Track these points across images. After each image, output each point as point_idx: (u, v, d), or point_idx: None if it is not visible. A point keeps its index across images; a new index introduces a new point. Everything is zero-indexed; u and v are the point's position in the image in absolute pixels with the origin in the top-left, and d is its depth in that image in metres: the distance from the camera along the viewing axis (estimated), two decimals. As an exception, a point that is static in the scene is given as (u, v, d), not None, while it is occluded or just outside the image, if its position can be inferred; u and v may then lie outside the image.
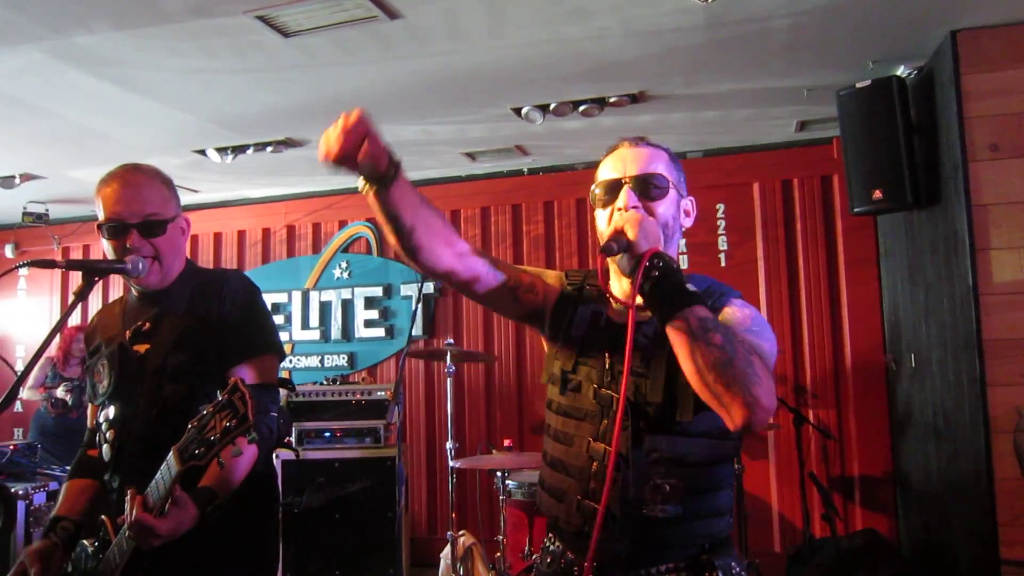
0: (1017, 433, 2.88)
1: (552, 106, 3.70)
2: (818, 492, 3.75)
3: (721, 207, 4.62)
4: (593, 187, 1.52)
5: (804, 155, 4.49)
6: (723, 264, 4.59)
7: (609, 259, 1.39)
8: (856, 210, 3.52)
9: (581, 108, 3.70)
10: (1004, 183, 2.95)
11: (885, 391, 4.29)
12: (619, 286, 1.49)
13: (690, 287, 1.30)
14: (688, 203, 1.54)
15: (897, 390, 4.16)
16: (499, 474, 3.55)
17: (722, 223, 4.62)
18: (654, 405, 1.38)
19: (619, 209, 1.43)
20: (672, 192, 1.48)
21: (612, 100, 3.64)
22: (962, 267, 3.03)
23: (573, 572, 1.47)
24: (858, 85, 3.35)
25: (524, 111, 3.77)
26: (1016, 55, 2.97)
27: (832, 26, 2.97)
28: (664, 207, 1.46)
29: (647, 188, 1.45)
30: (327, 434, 4.55)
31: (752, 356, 1.25)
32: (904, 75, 3.36)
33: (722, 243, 4.61)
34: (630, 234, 1.33)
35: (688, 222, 1.54)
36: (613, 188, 1.47)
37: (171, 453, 1.51)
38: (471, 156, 4.63)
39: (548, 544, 1.56)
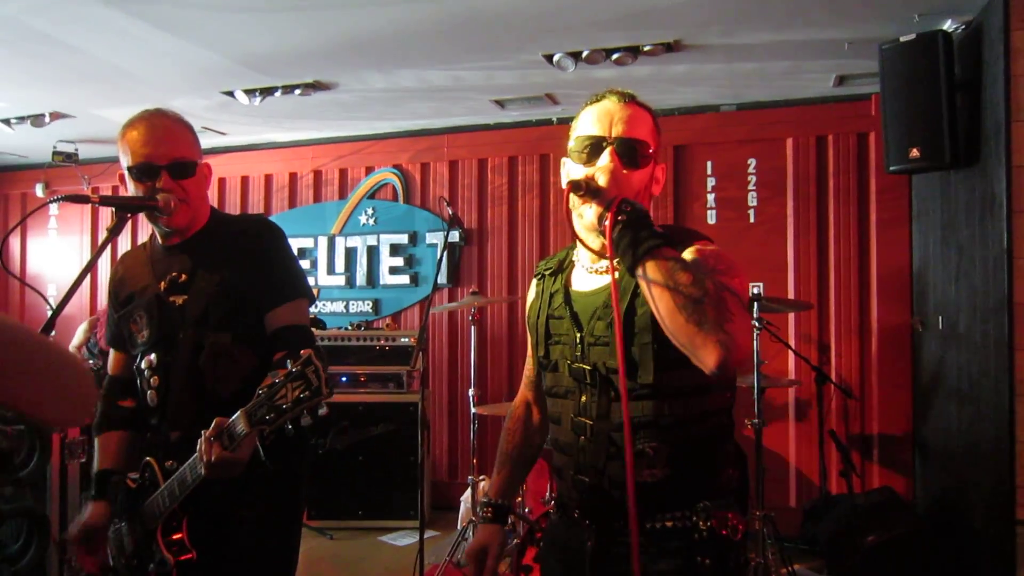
0: (1043, 398, 2.86)
1: (584, 53, 3.63)
2: (837, 450, 3.78)
3: (753, 162, 4.55)
4: (573, 138, 1.46)
5: (841, 111, 4.39)
6: (752, 220, 4.54)
7: (576, 218, 1.39)
8: (892, 168, 3.45)
9: (614, 56, 3.63)
10: (1048, 144, 2.87)
11: (909, 352, 4.28)
12: (586, 245, 1.45)
13: (658, 230, 1.29)
14: (660, 172, 1.49)
15: (922, 352, 4.14)
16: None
17: (753, 178, 4.55)
18: (617, 372, 1.33)
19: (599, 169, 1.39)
20: (651, 160, 1.44)
21: (647, 49, 3.56)
22: (997, 229, 2.98)
23: (574, 530, 1.49)
24: (902, 39, 3.25)
25: (556, 58, 3.70)
26: (1070, 10, 2.86)
27: (880, -26, 2.88)
28: (641, 175, 1.42)
29: (632, 154, 1.40)
30: (351, 378, 4.64)
31: (723, 293, 1.23)
32: (951, 29, 3.25)
33: (752, 199, 4.56)
34: (601, 181, 1.33)
35: (656, 190, 1.50)
36: (595, 147, 1.41)
37: (239, 415, 1.57)
38: (500, 104, 4.57)
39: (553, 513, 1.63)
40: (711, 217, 4.60)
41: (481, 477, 3.99)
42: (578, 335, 1.46)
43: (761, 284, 4.40)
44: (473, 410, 3.83)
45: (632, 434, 1.35)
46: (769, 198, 4.53)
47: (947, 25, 3.26)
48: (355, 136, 5.33)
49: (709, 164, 4.62)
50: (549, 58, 3.72)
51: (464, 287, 5.01)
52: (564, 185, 1.42)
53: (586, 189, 1.34)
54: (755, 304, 3.51)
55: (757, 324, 3.50)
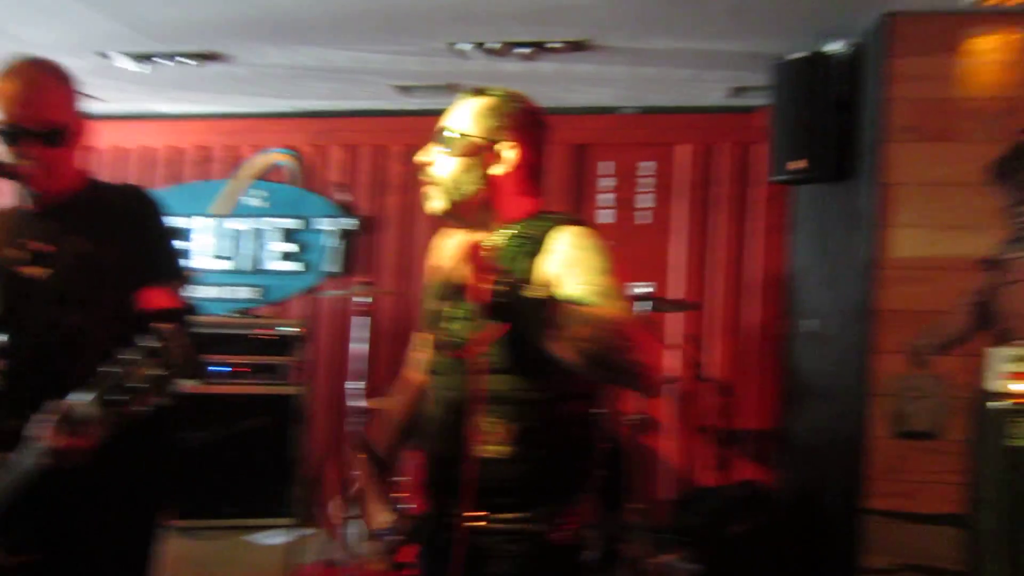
0: (894, 397, 3.12)
1: (490, 45, 3.65)
2: (709, 444, 3.97)
3: (647, 165, 4.70)
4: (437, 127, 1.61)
5: (729, 121, 4.61)
6: (644, 221, 4.69)
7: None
8: (776, 179, 3.66)
9: (520, 51, 3.66)
10: (915, 164, 3.13)
11: (780, 352, 4.55)
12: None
13: (537, 295, 1.32)
14: (506, 151, 1.55)
15: (792, 353, 4.41)
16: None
17: (646, 181, 4.71)
18: (465, 344, 1.42)
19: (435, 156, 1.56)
20: (487, 146, 1.55)
21: (553, 46, 3.61)
22: (865, 241, 3.22)
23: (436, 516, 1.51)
24: (793, 57, 3.45)
25: (460, 47, 3.69)
26: (942, 43, 3.12)
27: (777, -6, 3.04)
28: (485, 161, 1.54)
29: (454, 144, 1.55)
30: (229, 368, 4.43)
31: (625, 328, 1.30)
32: (838, 51, 3.48)
33: (645, 201, 4.71)
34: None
35: (507, 164, 1.55)
36: (440, 134, 1.59)
37: (82, 395, 1.43)
38: (403, 90, 4.51)
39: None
40: (606, 217, 4.73)
41: (359, 472, 3.91)
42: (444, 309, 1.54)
43: (653, 284, 4.55)
44: (357, 403, 3.75)
45: (485, 408, 1.40)
46: (662, 201, 4.69)
47: (835, 46, 3.48)
48: (248, 113, 5.10)
49: (606, 165, 4.75)
50: (454, 46, 3.71)
51: (356, 276, 4.90)
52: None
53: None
54: (645, 304, 3.63)
55: (646, 323, 3.62)
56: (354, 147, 5.00)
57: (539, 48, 3.64)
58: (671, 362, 4.59)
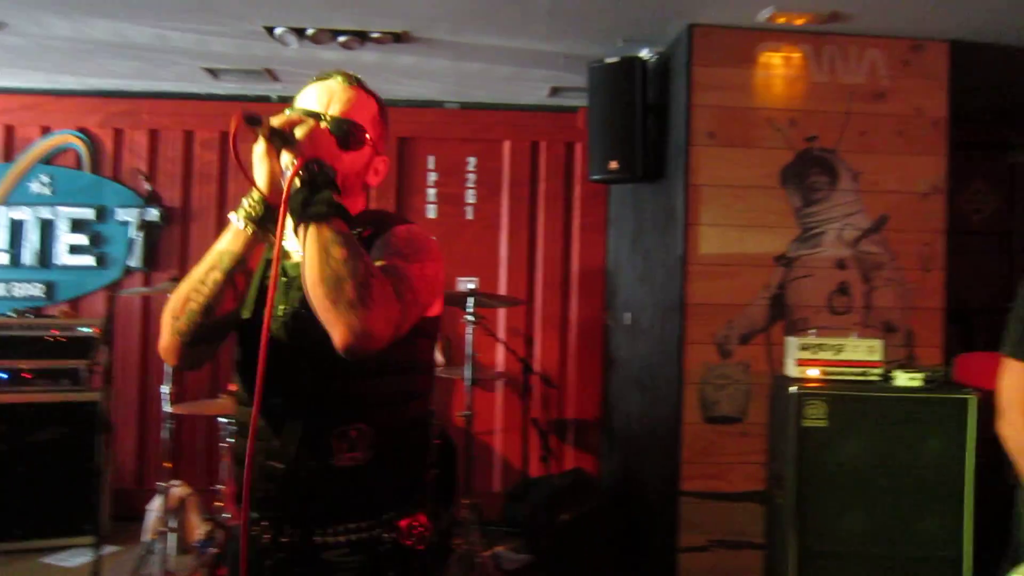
0: (703, 385, 3.33)
1: (310, 31, 3.47)
2: (538, 435, 4.07)
3: (472, 160, 4.71)
4: (287, 111, 1.38)
5: (553, 120, 4.72)
6: (469, 217, 4.70)
7: (260, 164, 1.28)
8: (593, 178, 3.79)
9: (341, 39, 3.51)
10: (716, 167, 3.34)
11: (602, 345, 4.74)
12: (266, 163, 1.30)
13: (335, 200, 1.24)
14: (381, 163, 1.48)
15: (612, 345, 4.61)
16: (222, 420, 3.36)
17: (472, 176, 4.72)
18: (316, 341, 1.24)
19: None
20: (369, 148, 1.42)
21: (375, 36, 3.50)
22: (675, 238, 3.41)
23: (252, 532, 1.37)
24: (607, 60, 3.58)
25: (278, 32, 3.48)
26: (739, 56, 3.36)
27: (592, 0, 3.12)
28: (355, 159, 1.40)
29: (344, 135, 1.37)
30: (13, 374, 3.94)
31: (373, 280, 1.20)
32: (647, 57, 3.65)
33: (470, 196, 4.72)
34: (298, 132, 1.25)
35: (374, 180, 1.48)
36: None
37: None
38: (213, 73, 4.20)
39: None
40: (431, 211, 4.68)
41: (174, 482, 3.63)
42: (281, 307, 1.38)
43: (477, 279, 4.59)
44: (167, 409, 3.46)
45: (337, 413, 1.31)
46: (487, 196, 4.72)
47: (644, 53, 3.66)
48: (28, 88, 4.53)
49: (432, 159, 4.70)
50: (271, 31, 3.50)
51: (163, 272, 4.52)
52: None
53: (280, 138, 1.25)
54: (470, 299, 3.64)
55: (472, 318, 3.63)
56: (157, 131, 4.59)
57: (360, 37, 3.52)
58: (500, 357, 4.65)
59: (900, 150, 3.40)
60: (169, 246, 4.59)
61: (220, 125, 4.58)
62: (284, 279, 1.39)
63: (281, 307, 1.38)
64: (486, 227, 4.70)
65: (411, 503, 1.43)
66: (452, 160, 4.70)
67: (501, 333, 4.60)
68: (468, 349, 3.64)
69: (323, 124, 1.34)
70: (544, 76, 4.16)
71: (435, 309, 1.45)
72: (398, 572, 1.37)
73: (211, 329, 1.33)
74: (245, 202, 1.31)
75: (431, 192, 4.71)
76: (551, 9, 3.21)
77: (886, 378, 3.08)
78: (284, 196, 1.22)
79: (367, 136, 1.41)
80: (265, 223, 1.30)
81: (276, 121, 1.25)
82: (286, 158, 1.26)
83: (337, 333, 1.18)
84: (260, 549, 1.36)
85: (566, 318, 4.77)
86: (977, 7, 3.07)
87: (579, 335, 4.76)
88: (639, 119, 3.56)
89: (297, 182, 1.23)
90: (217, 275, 1.30)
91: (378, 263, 1.30)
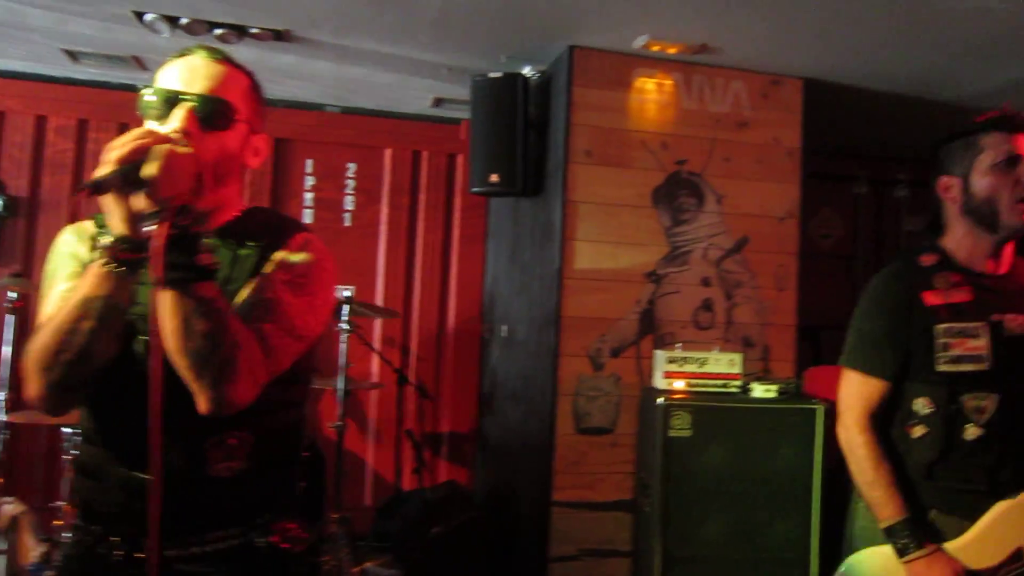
0: (576, 397, 3.41)
1: (184, 21, 3.31)
2: (412, 448, 4.01)
3: (352, 166, 4.63)
4: (145, 92, 1.27)
5: (436, 130, 4.72)
6: (347, 223, 4.61)
7: (110, 206, 1.12)
8: (474, 190, 3.82)
9: (218, 32, 3.37)
10: (592, 185, 3.45)
11: (478, 357, 4.76)
12: (122, 212, 1.13)
13: (203, 259, 1.13)
14: (260, 141, 1.38)
15: (489, 356, 4.64)
16: (67, 430, 3.10)
17: (351, 183, 4.63)
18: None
19: (174, 133, 1.20)
20: (243, 126, 1.32)
21: (254, 31, 3.38)
22: (553, 253, 3.48)
23: (99, 549, 1.28)
24: (491, 75, 3.63)
25: (148, 18, 3.30)
26: (616, 79, 3.49)
27: (477, 13, 3.15)
28: (227, 140, 1.29)
29: (212, 115, 1.26)
30: None
31: (238, 352, 1.14)
32: (529, 74, 3.73)
33: (349, 203, 4.63)
34: (152, 169, 1.08)
35: (255, 162, 1.39)
36: (170, 102, 1.25)
37: None
38: (72, 55, 3.91)
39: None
40: (308, 217, 4.55)
41: (6, 499, 3.32)
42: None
43: (353, 287, 4.48)
44: (2, 417, 3.17)
45: (217, 421, 1.21)
46: (365, 204, 4.65)
47: (527, 70, 3.73)
48: None
49: (310, 163, 4.58)
50: (141, 16, 3.30)
51: (2, 268, 4.14)
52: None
53: (130, 182, 1.08)
54: (345, 307, 3.56)
55: (346, 327, 3.55)
56: (4, 113, 4.22)
57: (238, 32, 3.39)
58: (374, 367, 4.57)
59: (760, 176, 3.64)
60: (12, 238, 4.21)
61: (78, 112, 4.26)
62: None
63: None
64: (364, 235, 4.62)
65: (285, 508, 1.38)
66: (331, 165, 4.59)
67: (376, 343, 4.52)
68: (342, 359, 3.55)
69: (187, 104, 1.24)
70: (427, 86, 4.16)
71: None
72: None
73: (93, 372, 1.21)
74: (105, 245, 1.15)
75: (308, 196, 4.57)
76: (436, 20, 3.22)
77: (745, 390, 3.26)
78: (160, 245, 1.09)
79: (238, 113, 1.30)
80: (135, 262, 1.16)
81: (117, 155, 1.08)
82: (142, 201, 1.10)
83: (200, 400, 1.15)
84: (110, 567, 1.26)
85: (443, 329, 4.75)
86: (828, 49, 3.35)
87: (456, 346, 4.75)
88: (520, 134, 3.62)
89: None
90: (91, 323, 1.16)
91: (259, 295, 1.25)
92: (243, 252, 1.32)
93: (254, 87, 1.38)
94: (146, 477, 1.19)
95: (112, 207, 1.11)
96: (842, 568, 1.83)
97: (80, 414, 1.34)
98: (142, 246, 1.12)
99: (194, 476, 1.26)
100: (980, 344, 1.73)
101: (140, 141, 1.10)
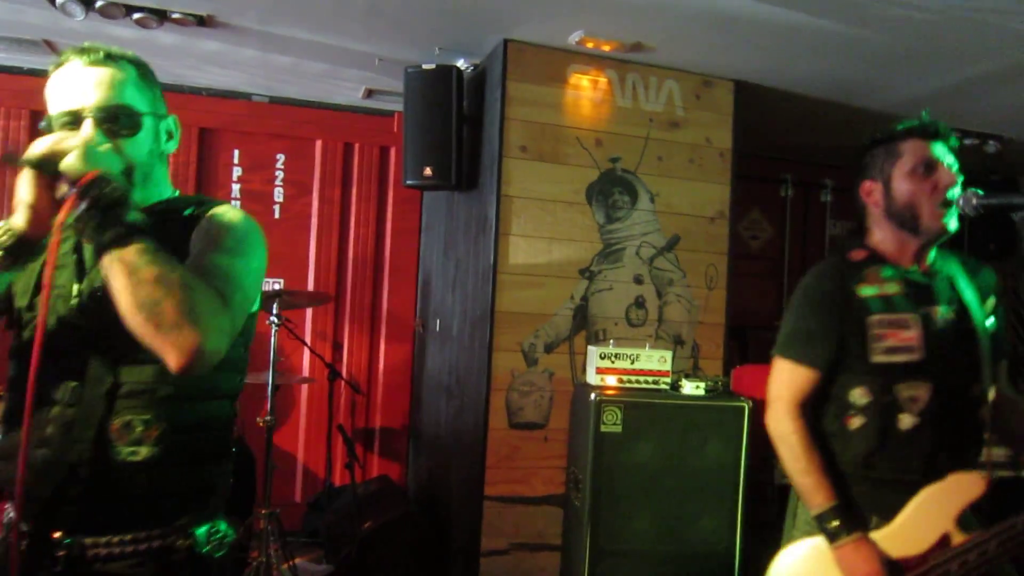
0: (509, 392, 3.41)
1: (99, 3, 3.14)
2: (343, 443, 3.95)
3: (281, 158, 4.51)
4: (48, 118, 1.30)
5: (368, 122, 4.63)
6: (277, 216, 4.50)
7: (23, 190, 1.16)
8: (408, 183, 3.76)
9: (136, 16, 3.22)
10: (526, 180, 3.44)
11: (411, 351, 4.72)
12: (31, 199, 1.17)
13: (132, 219, 1.15)
14: (171, 122, 1.41)
15: (423, 351, 4.60)
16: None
17: (280, 174, 4.51)
18: (111, 323, 1.18)
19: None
20: (148, 120, 1.34)
21: (175, 16, 3.24)
22: (487, 247, 3.46)
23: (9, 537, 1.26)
24: (424, 66, 3.57)
25: (60, 1, 3.13)
26: (551, 74, 3.48)
27: (411, 2, 3.09)
28: (139, 142, 1.32)
29: (116, 124, 1.29)
30: None
31: (193, 292, 1.14)
32: (463, 67, 3.68)
33: (278, 195, 4.51)
34: (71, 161, 1.12)
35: (172, 145, 1.42)
36: (74, 122, 1.27)
37: None
38: (-22, 39, 3.69)
39: None
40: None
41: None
42: (75, 287, 1.29)
43: (282, 280, 4.39)
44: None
45: (123, 402, 1.23)
46: (295, 196, 4.54)
47: (461, 63, 3.68)
48: None
49: (237, 153, 4.43)
50: (52, -1, 3.14)
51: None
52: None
53: (49, 168, 1.13)
54: (276, 300, 3.47)
55: (276, 320, 3.47)
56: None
57: (158, 16, 3.25)
58: (305, 362, 4.48)
59: (691, 176, 3.69)
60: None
61: (-16, 98, 4.04)
62: (75, 257, 1.30)
63: (75, 287, 1.28)
64: (295, 227, 4.51)
65: (208, 509, 1.35)
66: (259, 156, 4.46)
67: (307, 337, 4.44)
68: (271, 353, 3.47)
69: (87, 119, 1.24)
70: (359, 77, 4.07)
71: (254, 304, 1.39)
72: None
73: None
74: None
75: (236, 188, 4.44)
76: (368, 9, 3.15)
77: (674, 387, 3.31)
78: (58, 221, 1.12)
79: (139, 112, 1.31)
80: (18, 253, 1.18)
81: (40, 151, 1.13)
82: (65, 187, 1.13)
83: (169, 357, 1.12)
84: (27, 560, 1.22)
85: (376, 323, 4.69)
86: (758, 53, 3.41)
87: (388, 341, 4.70)
88: (454, 127, 3.58)
89: (83, 208, 1.11)
90: None
91: (199, 260, 1.25)
92: (167, 238, 1.29)
93: (142, 73, 1.36)
94: (47, 452, 1.21)
95: (27, 191, 1.14)
96: (771, 565, 1.84)
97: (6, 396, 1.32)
98: (28, 243, 1.16)
99: (100, 457, 1.23)
100: (912, 335, 1.76)
101: (60, 144, 1.13)
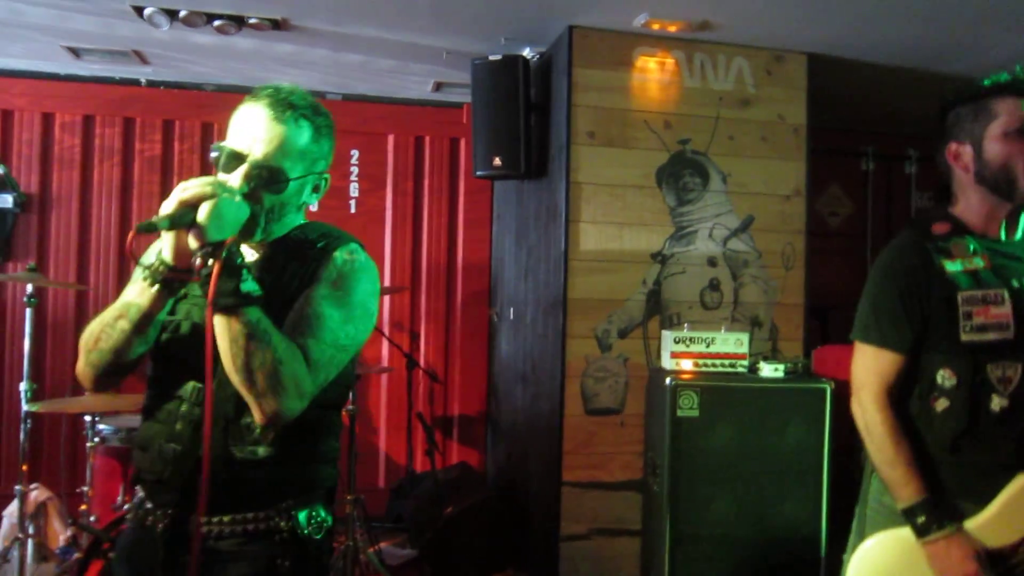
0: (584, 378, 3.42)
1: (182, 13, 3.31)
2: (423, 430, 4.05)
3: (355, 153, 4.63)
4: (218, 146, 1.41)
5: (438, 115, 4.70)
6: (353, 210, 4.62)
7: (166, 234, 1.29)
8: (478, 173, 3.81)
9: (216, 23, 3.37)
10: (595, 166, 3.43)
11: (487, 339, 4.78)
12: (172, 240, 1.31)
13: (246, 289, 1.27)
14: (322, 181, 1.50)
15: (497, 339, 4.66)
16: (88, 418, 3.18)
17: (355, 170, 4.64)
18: None
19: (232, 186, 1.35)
20: (295, 184, 1.42)
21: (252, 21, 3.37)
22: (558, 235, 3.48)
23: (148, 521, 1.41)
24: (491, 57, 3.60)
25: (147, 12, 3.30)
26: (617, 59, 3.46)
27: (475, -4, 3.13)
28: (282, 197, 1.41)
29: (266, 181, 1.38)
30: None
31: (281, 367, 1.26)
32: (529, 56, 3.70)
33: (353, 190, 4.64)
34: (201, 218, 1.23)
35: (315, 198, 1.52)
36: (235, 160, 1.38)
37: None
38: (75, 52, 3.92)
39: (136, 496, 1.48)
40: (313, 204, 4.56)
41: (33, 486, 3.40)
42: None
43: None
44: (25, 407, 3.23)
45: (244, 407, 1.32)
46: (370, 190, 4.65)
47: (527, 52, 3.70)
48: None
49: (314, 151, 4.57)
50: (140, 11, 3.31)
51: (18, 262, 4.20)
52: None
53: (184, 222, 1.24)
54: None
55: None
56: (11, 112, 4.26)
57: (236, 22, 3.39)
58: (384, 352, 4.60)
59: (764, 154, 3.61)
60: (26, 234, 4.27)
61: (83, 107, 4.30)
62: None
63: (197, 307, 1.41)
64: (370, 221, 4.63)
65: (311, 496, 1.45)
66: (335, 152, 4.57)
67: (385, 328, 4.55)
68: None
69: (242, 168, 1.36)
70: (427, 71, 4.14)
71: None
72: (293, 561, 1.39)
73: (121, 367, 1.40)
74: (149, 261, 1.33)
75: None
76: (433, 3, 3.20)
77: (752, 369, 3.25)
78: (212, 285, 1.24)
79: (288, 179, 1.39)
80: (170, 284, 1.33)
81: (170, 210, 1.24)
82: (193, 242, 1.25)
83: (255, 412, 1.29)
84: (154, 537, 1.37)
85: (451, 313, 4.77)
86: (831, 23, 3.30)
87: (464, 330, 4.77)
88: (522, 117, 3.60)
89: (205, 271, 1.25)
90: (125, 325, 1.35)
91: (311, 308, 1.36)
92: (291, 266, 1.43)
93: (316, 128, 1.45)
94: (176, 447, 1.37)
95: (166, 238, 1.29)
96: (854, 557, 1.77)
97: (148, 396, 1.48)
98: (182, 272, 1.30)
99: (223, 454, 1.35)
100: (1004, 311, 1.67)
101: (201, 189, 1.24)
